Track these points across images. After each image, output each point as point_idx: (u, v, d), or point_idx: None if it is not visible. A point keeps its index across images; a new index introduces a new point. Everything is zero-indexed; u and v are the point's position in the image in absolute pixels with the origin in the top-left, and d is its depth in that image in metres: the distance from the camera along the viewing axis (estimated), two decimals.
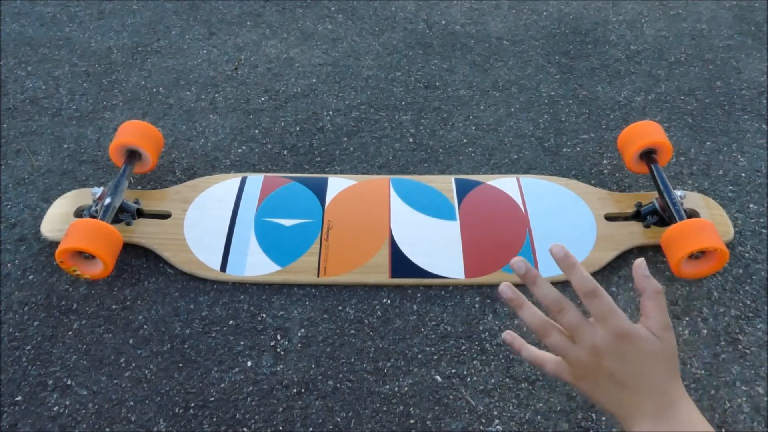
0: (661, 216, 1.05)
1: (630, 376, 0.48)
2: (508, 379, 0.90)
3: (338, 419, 0.86)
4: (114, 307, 0.98)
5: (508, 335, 0.54)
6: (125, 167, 1.08)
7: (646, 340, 0.48)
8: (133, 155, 1.11)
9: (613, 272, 1.03)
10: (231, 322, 0.97)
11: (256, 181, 1.16)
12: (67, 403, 0.87)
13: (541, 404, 0.88)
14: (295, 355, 0.93)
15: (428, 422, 0.86)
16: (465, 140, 1.27)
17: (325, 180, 1.16)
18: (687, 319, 0.97)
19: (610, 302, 0.48)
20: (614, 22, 1.61)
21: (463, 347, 0.94)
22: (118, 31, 1.55)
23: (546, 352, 0.53)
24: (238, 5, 1.64)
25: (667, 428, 0.47)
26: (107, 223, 0.97)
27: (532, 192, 1.14)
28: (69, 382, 0.89)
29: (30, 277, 1.02)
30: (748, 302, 1.00)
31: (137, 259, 1.05)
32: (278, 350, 0.93)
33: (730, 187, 1.18)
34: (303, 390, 0.89)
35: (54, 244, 1.03)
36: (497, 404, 0.88)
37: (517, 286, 0.51)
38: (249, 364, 0.92)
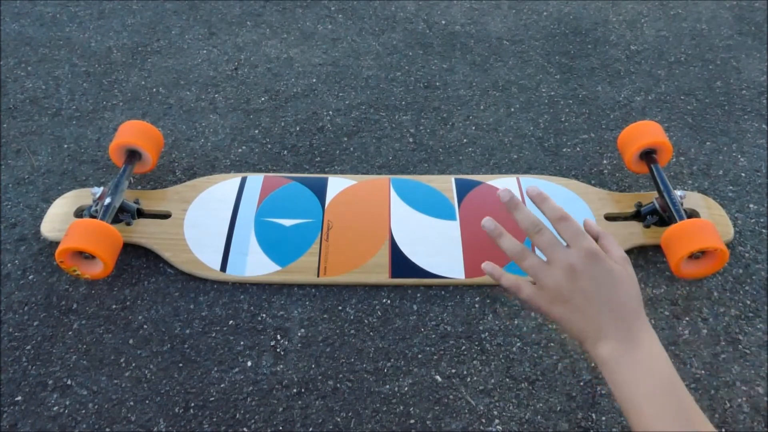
0: (661, 216, 1.05)
1: (600, 295, 0.52)
2: (508, 379, 0.90)
3: (338, 419, 0.86)
4: (114, 307, 0.98)
5: (488, 265, 0.58)
6: (125, 167, 1.08)
7: (613, 264, 0.53)
8: (133, 155, 1.11)
9: None
10: (231, 322, 0.97)
11: (256, 181, 1.16)
12: (67, 403, 0.87)
13: (541, 404, 0.88)
14: (295, 355, 0.93)
15: (428, 422, 0.86)
16: (465, 140, 1.27)
17: (325, 180, 1.16)
18: (687, 319, 0.97)
19: (579, 226, 0.54)
20: (614, 22, 1.61)
21: (463, 347, 0.94)
22: (118, 31, 1.55)
23: (521, 278, 0.57)
24: (238, 5, 1.64)
25: (629, 353, 0.50)
26: (107, 223, 0.97)
27: None
28: (69, 382, 0.89)
29: (30, 277, 1.02)
30: (748, 302, 1.00)
31: (137, 259, 1.05)
32: (278, 350, 0.93)
33: (730, 187, 1.18)
34: (303, 390, 0.89)
35: (54, 244, 1.03)
36: (497, 404, 0.88)
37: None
38: (249, 364, 0.92)
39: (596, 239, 0.56)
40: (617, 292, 0.52)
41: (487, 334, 0.96)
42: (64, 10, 1.61)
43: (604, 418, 0.86)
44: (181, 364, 0.92)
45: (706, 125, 1.31)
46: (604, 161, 1.23)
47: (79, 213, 1.08)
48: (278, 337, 0.95)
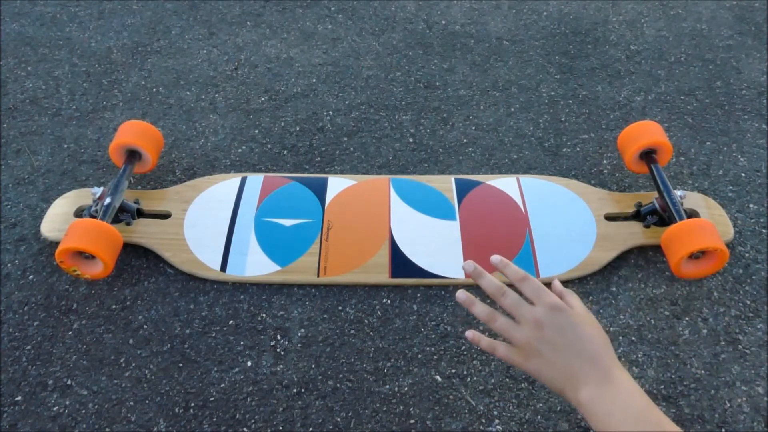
0: (661, 216, 1.05)
1: (567, 343, 0.55)
2: (508, 379, 0.90)
3: (338, 419, 0.86)
4: (114, 307, 0.98)
5: (470, 333, 0.63)
6: (125, 167, 1.09)
7: (575, 313, 0.57)
8: (133, 155, 1.11)
9: (613, 272, 1.03)
10: (231, 322, 0.97)
11: (256, 181, 1.16)
12: (67, 403, 0.87)
13: (541, 404, 0.88)
14: (295, 355, 0.93)
15: (428, 422, 0.86)
16: (465, 140, 1.27)
17: (325, 180, 1.16)
18: (687, 319, 0.97)
19: (539, 284, 0.59)
20: (614, 22, 1.61)
21: (463, 347, 0.94)
22: (118, 31, 1.55)
23: (497, 340, 0.61)
24: (238, 5, 1.64)
25: (605, 391, 0.53)
26: (107, 223, 0.97)
27: (532, 192, 1.14)
28: (69, 382, 0.89)
29: (30, 277, 1.02)
30: (748, 302, 1.00)
31: (137, 259, 1.05)
32: (278, 350, 0.93)
33: (730, 187, 1.18)
34: (303, 390, 0.89)
35: (54, 244, 1.03)
36: (497, 404, 0.88)
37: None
38: (249, 364, 0.92)
39: (560, 297, 0.60)
40: (584, 337, 0.56)
41: (487, 334, 0.95)
42: (64, 10, 1.61)
43: None
44: (181, 364, 0.92)
45: (706, 125, 1.31)
46: (604, 161, 1.23)
47: (79, 213, 1.08)
48: (278, 337, 0.95)
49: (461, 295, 0.62)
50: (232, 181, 1.16)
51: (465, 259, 1.03)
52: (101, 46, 1.50)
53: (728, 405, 0.87)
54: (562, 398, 0.88)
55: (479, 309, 0.61)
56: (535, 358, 0.56)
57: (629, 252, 1.06)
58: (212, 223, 1.08)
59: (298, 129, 1.30)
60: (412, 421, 0.86)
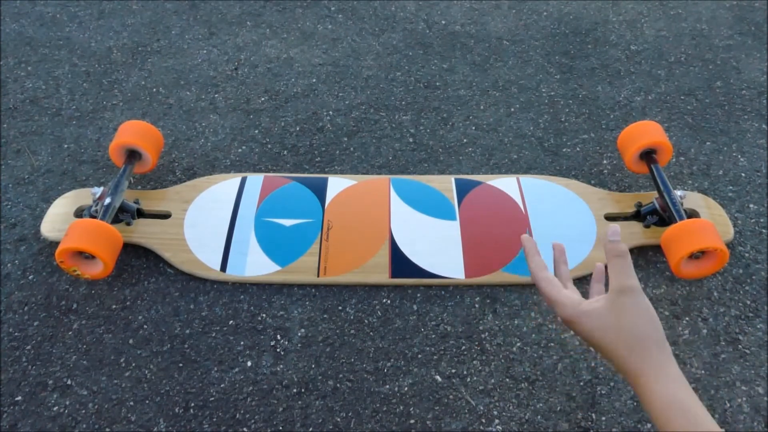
0: (661, 216, 1.05)
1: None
2: (508, 379, 0.90)
3: (338, 419, 0.86)
4: (114, 307, 0.98)
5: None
6: (125, 167, 1.08)
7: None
8: (133, 155, 1.11)
9: None
10: (231, 322, 0.97)
11: (256, 181, 1.16)
12: (67, 403, 0.87)
13: (541, 404, 0.88)
14: (295, 355, 0.93)
15: (428, 422, 0.86)
16: (465, 140, 1.27)
17: (325, 180, 1.16)
18: (687, 319, 0.97)
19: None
20: (614, 22, 1.61)
21: (463, 347, 0.94)
22: (118, 31, 1.55)
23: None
24: (238, 5, 1.64)
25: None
26: (107, 223, 0.97)
27: (532, 192, 1.14)
28: (69, 382, 0.89)
29: (30, 277, 1.02)
30: (748, 302, 1.00)
31: (137, 259, 1.05)
32: (278, 350, 0.93)
33: (730, 187, 1.18)
34: (303, 390, 0.89)
35: (54, 244, 1.03)
36: (497, 404, 0.88)
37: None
38: (249, 364, 0.92)
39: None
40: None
41: (487, 334, 0.96)
42: (64, 10, 1.61)
43: (604, 418, 0.86)
44: (181, 364, 0.92)
45: (706, 125, 1.31)
46: (604, 161, 1.23)
47: (79, 213, 1.08)
48: (278, 337, 0.95)
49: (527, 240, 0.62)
50: (232, 181, 1.16)
51: (465, 260, 1.03)
52: (101, 46, 1.50)
53: (728, 405, 0.87)
54: (562, 398, 0.88)
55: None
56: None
57: (629, 252, 1.06)
58: (212, 223, 1.08)
59: (298, 129, 1.30)
60: (412, 421, 0.86)
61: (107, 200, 1.01)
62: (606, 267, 0.56)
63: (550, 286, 0.57)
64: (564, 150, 1.26)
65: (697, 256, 0.96)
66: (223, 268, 1.02)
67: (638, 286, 0.51)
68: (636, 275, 0.51)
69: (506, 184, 1.16)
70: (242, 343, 0.94)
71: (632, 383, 0.50)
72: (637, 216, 1.09)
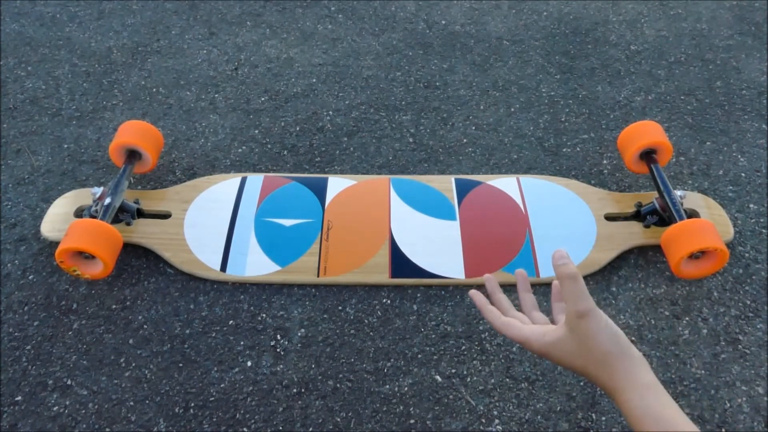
0: (661, 216, 1.05)
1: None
2: (508, 379, 0.90)
3: (338, 419, 0.86)
4: (114, 307, 0.98)
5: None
6: (125, 167, 1.08)
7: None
8: (133, 155, 1.11)
9: (613, 272, 1.03)
10: (231, 322, 0.97)
11: (256, 181, 1.16)
12: (67, 403, 0.87)
13: (541, 404, 0.88)
14: (295, 355, 0.93)
15: (428, 422, 0.86)
16: (465, 140, 1.27)
17: (325, 180, 1.16)
18: (687, 319, 0.97)
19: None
20: (614, 22, 1.61)
21: (463, 347, 0.94)
22: (118, 31, 1.55)
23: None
24: (238, 5, 1.64)
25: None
26: (107, 223, 0.97)
27: (532, 192, 1.14)
28: (69, 382, 0.89)
29: (30, 277, 1.02)
30: (748, 302, 1.00)
31: (137, 259, 1.05)
32: (278, 350, 0.93)
33: (730, 187, 1.18)
34: (303, 390, 0.89)
35: (54, 244, 1.03)
36: (497, 404, 0.88)
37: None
38: (249, 364, 0.92)
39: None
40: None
41: (487, 334, 0.96)
42: (64, 10, 1.61)
43: (604, 418, 0.86)
44: (181, 364, 0.92)
45: (706, 125, 1.31)
46: (604, 161, 1.23)
47: (79, 213, 1.08)
48: (278, 337, 0.95)
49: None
50: (232, 181, 1.16)
51: (465, 260, 1.03)
52: (101, 46, 1.50)
53: (728, 405, 0.87)
54: (562, 398, 0.88)
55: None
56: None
57: (629, 252, 1.06)
58: (212, 223, 1.08)
59: (298, 129, 1.30)
60: (412, 421, 0.86)
61: (107, 200, 1.01)
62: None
63: (511, 329, 0.59)
64: (564, 150, 1.26)
65: (697, 256, 0.96)
66: (223, 268, 1.02)
67: (593, 306, 0.52)
68: (590, 295, 0.52)
69: (506, 184, 1.16)
70: (242, 343, 0.94)
71: (612, 399, 0.52)
72: (637, 216, 1.09)
